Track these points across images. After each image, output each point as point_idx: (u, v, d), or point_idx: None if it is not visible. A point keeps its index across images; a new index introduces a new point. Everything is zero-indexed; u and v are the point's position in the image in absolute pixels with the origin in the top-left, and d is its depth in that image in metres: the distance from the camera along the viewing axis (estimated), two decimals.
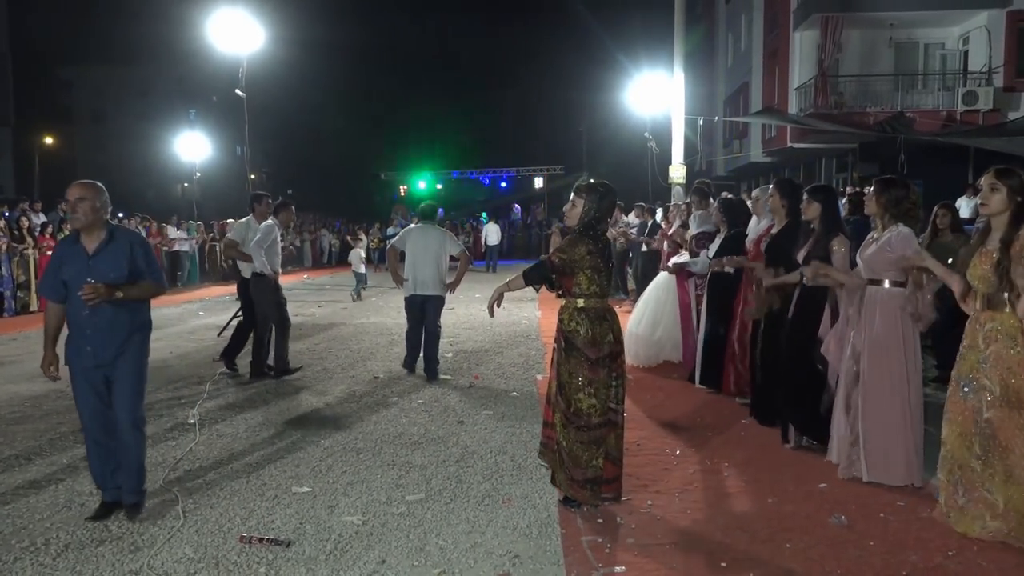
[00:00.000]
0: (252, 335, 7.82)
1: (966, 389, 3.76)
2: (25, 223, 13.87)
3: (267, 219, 7.72)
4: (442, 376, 7.69)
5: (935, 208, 7.33)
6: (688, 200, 9.11)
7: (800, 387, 5.04)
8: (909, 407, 4.38)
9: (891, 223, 4.42)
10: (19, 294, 13.44)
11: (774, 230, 5.73)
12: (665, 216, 11.41)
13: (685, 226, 8.66)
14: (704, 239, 7.32)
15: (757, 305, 5.64)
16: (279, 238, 7.75)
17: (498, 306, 4.40)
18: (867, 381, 4.44)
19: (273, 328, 7.68)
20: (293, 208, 8.12)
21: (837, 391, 4.72)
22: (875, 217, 4.56)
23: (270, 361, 7.76)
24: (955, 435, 3.79)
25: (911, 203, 4.44)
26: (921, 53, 20.19)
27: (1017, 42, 17.67)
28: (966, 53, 19.15)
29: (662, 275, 8.41)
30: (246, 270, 7.70)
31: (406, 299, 7.66)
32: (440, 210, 35.34)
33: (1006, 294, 3.62)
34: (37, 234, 14.16)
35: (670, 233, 9.44)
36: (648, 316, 8.14)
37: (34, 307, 13.39)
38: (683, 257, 7.85)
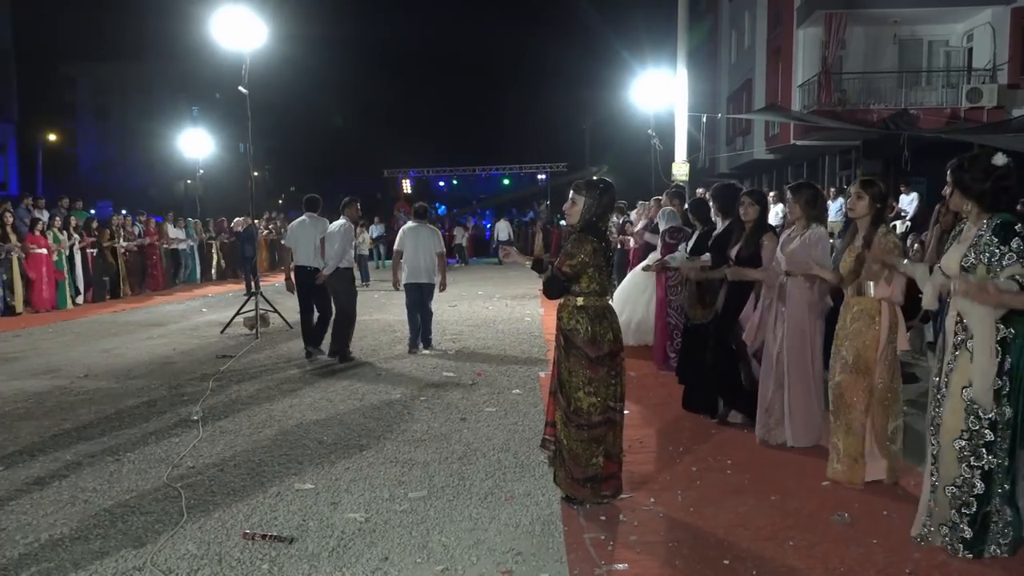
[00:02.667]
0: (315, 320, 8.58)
1: (832, 360, 4.50)
2: (9, 219, 13.28)
3: (321, 217, 8.66)
4: (444, 374, 7.73)
5: (937, 207, 7.26)
6: (658, 199, 9.40)
7: (729, 366, 5.60)
8: (815, 381, 5.09)
9: (809, 224, 4.98)
10: (2, 293, 13.00)
11: (716, 231, 6.17)
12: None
13: (648, 227, 8.96)
14: (676, 232, 7.52)
15: (699, 310, 6.13)
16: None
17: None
18: (788, 360, 5.03)
19: (338, 315, 8.51)
20: (358, 204, 8.83)
21: (763, 368, 5.24)
22: (796, 218, 5.07)
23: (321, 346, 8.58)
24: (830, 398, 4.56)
25: (823, 199, 5.09)
26: (925, 50, 20.11)
27: (1022, 39, 17.58)
28: (970, 50, 19.06)
29: (635, 271, 8.97)
30: (324, 264, 8.35)
31: (405, 286, 8.91)
32: (442, 207, 35.18)
33: (870, 282, 4.31)
34: (26, 232, 13.61)
35: (636, 231, 9.65)
36: (629, 309, 8.65)
37: (19, 309, 13.02)
38: (655, 255, 8.16)
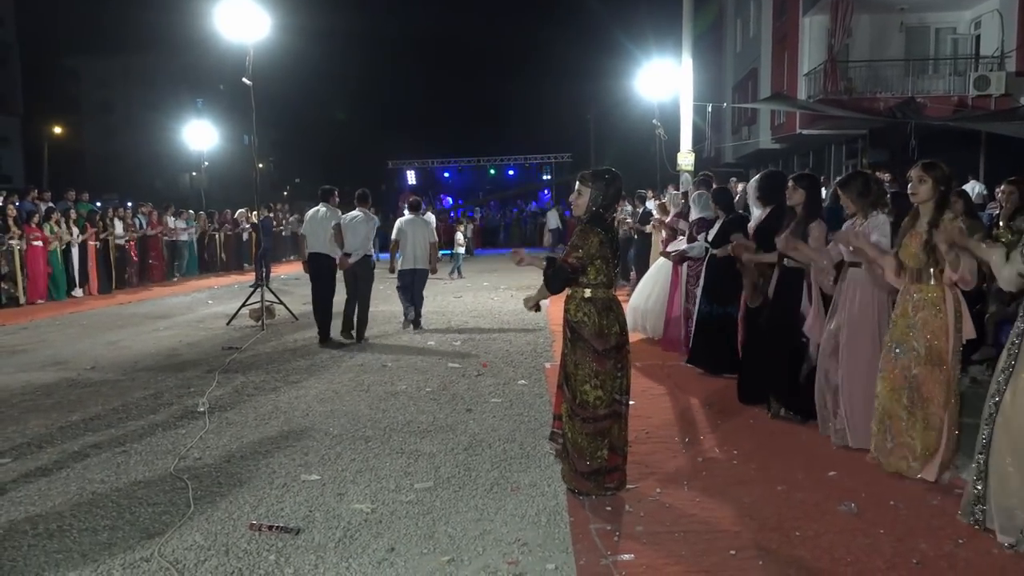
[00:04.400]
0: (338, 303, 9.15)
1: (897, 351, 4.32)
2: (12, 212, 13.24)
3: (335, 207, 9.12)
4: (450, 364, 7.73)
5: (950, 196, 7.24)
6: (687, 191, 9.54)
7: (782, 361, 5.42)
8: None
9: (869, 213, 4.81)
10: (4, 286, 12.95)
11: (762, 216, 6.03)
12: (662, 206, 11.52)
13: (681, 215, 8.98)
14: (704, 225, 7.48)
15: (752, 295, 5.91)
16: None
17: (535, 310, 4.48)
18: (847, 355, 4.83)
19: (360, 300, 9.20)
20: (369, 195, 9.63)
21: (817, 364, 5.06)
22: (853, 213, 4.93)
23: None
24: (887, 390, 4.37)
25: (877, 184, 4.92)
26: (932, 38, 19.97)
27: None
28: (978, 37, 18.92)
29: (661, 259, 8.97)
30: (338, 249, 8.98)
31: (400, 272, 9.86)
32: (447, 199, 35.17)
33: (932, 269, 4.20)
34: (23, 223, 13.49)
35: (667, 221, 9.70)
36: (658, 292, 8.67)
37: (22, 300, 13.02)
38: (680, 244, 8.13)
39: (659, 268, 9.02)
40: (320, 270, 9.01)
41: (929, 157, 4.62)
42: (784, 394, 5.48)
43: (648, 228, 11.48)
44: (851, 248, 4.68)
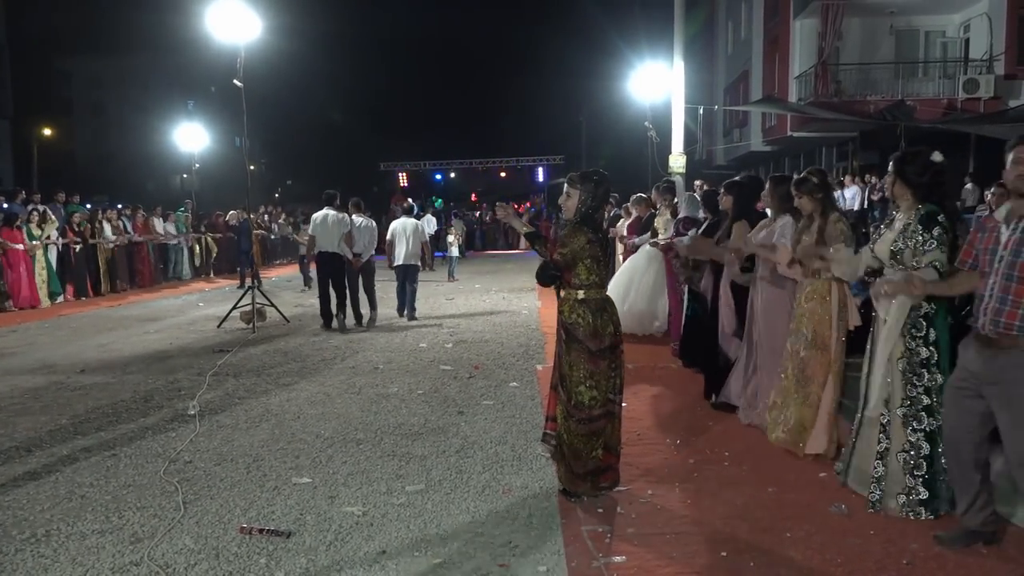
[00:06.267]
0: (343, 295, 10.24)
1: (793, 337, 4.81)
2: None
3: (339, 212, 10.04)
4: (442, 367, 7.73)
5: None
6: (646, 196, 9.87)
7: (711, 355, 5.92)
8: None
9: (781, 214, 5.25)
10: None
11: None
12: (627, 209, 11.55)
13: (643, 217, 9.22)
14: (689, 223, 7.64)
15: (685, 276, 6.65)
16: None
17: (504, 216, 4.62)
18: (759, 343, 5.29)
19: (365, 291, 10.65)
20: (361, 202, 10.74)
21: (739, 352, 5.56)
22: (774, 210, 5.40)
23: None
24: (789, 372, 4.84)
25: (792, 196, 5.19)
26: (922, 41, 20.09)
27: (1018, 29, 17.55)
28: (967, 40, 19.05)
29: (633, 256, 9.31)
30: (349, 251, 10.04)
31: (395, 267, 11.04)
32: (439, 201, 35.17)
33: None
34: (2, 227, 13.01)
35: (624, 233, 9.97)
36: (619, 289, 8.87)
37: None
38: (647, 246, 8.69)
39: (626, 270, 9.25)
40: (329, 266, 9.97)
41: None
42: (715, 381, 5.91)
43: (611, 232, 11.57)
44: (745, 252, 5.20)
